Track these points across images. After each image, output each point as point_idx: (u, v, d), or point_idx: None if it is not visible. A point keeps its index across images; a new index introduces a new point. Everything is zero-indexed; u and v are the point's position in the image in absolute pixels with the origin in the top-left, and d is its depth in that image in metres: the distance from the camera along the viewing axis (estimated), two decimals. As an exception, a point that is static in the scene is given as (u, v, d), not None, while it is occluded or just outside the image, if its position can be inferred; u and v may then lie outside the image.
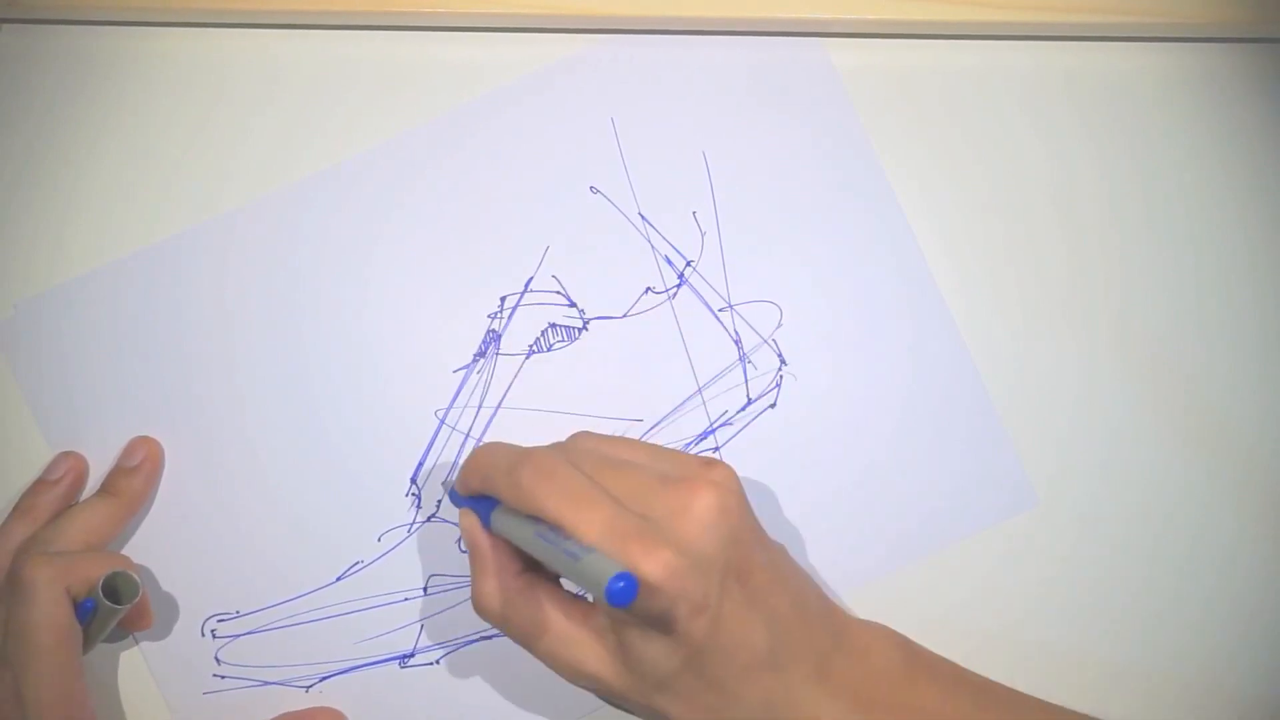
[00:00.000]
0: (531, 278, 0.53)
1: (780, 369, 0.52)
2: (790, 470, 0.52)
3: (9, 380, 0.53)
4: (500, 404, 0.53)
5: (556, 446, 0.47)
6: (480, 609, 0.46)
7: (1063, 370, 0.52)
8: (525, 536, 0.44)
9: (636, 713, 0.45)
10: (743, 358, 0.52)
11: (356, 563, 0.52)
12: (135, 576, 0.48)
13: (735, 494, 0.44)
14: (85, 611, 0.48)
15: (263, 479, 0.52)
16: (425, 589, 0.52)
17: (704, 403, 0.52)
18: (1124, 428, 0.52)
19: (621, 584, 0.39)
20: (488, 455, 0.46)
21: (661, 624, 0.42)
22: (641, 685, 0.43)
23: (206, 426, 0.53)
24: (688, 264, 0.53)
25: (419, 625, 0.52)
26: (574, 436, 0.47)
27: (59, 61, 0.54)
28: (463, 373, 0.53)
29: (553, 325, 0.53)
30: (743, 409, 0.52)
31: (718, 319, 0.53)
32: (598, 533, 0.42)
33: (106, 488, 0.52)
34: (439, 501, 0.52)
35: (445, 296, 0.53)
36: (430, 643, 0.52)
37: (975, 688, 0.46)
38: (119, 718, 0.52)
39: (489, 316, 0.53)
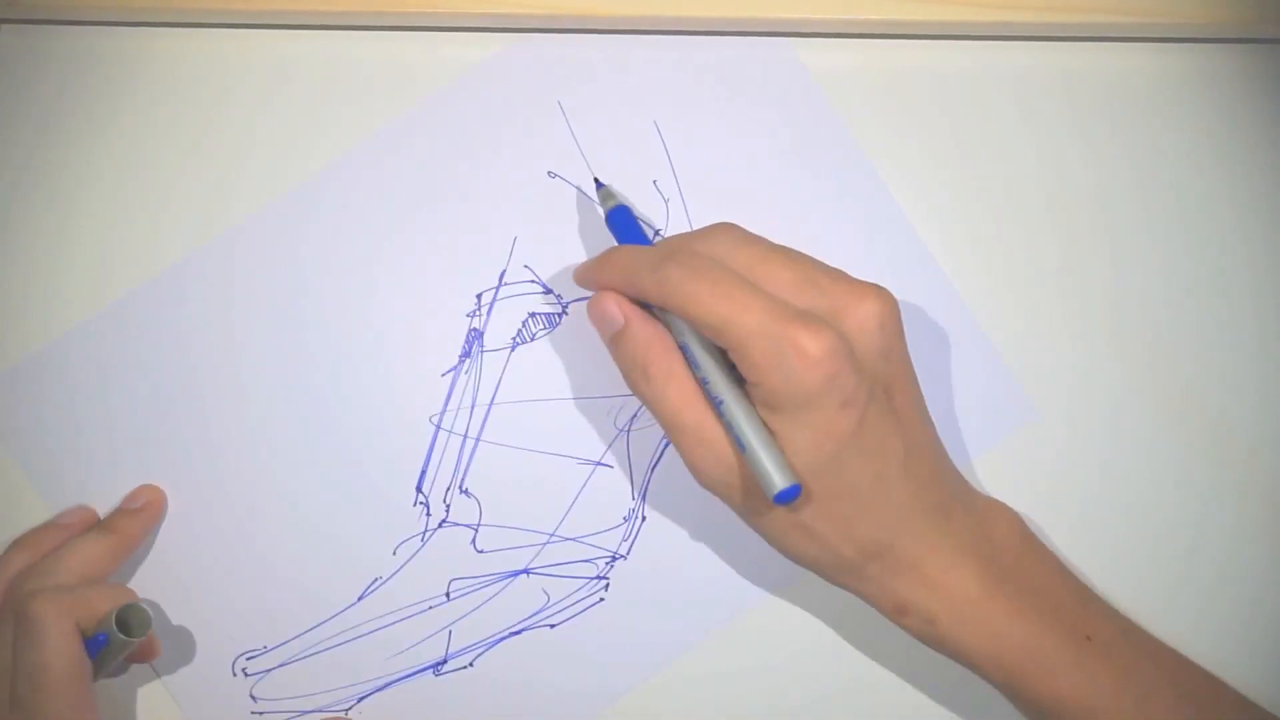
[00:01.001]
0: (504, 271, 0.53)
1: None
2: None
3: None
4: (493, 400, 0.53)
5: (700, 241, 0.46)
6: (648, 392, 0.46)
7: (1060, 372, 0.52)
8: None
9: (760, 523, 0.46)
10: (726, 317, 0.52)
11: (376, 579, 0.52)
12: (146, 609, 0.48)
13: (895, 312, 0.45)
14: (97, 645, 0.48)
15: (272, 511, 0.52)
16: (448, 594, 0.52)
17: (694, 368, 0.52)
18: (1122, 429, 0.52)
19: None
20: (626, 254, 0.46)
21: (810, 409, 0.43)
22: None
23: (211, 468, 0.52)
24: (656, 232, 0.53)
25: (447, 631, 0.52)
26: (715, 229, 0.46)
27: (59, 62, 0.54)
28: (451, 375, 0.53)
29: (533, 314, 0.53)
30: (733, 368, 0.52)
31: (695, 283, 0.53)
32: (755, 317, 0.42)
33: (106, 525, 0.51)
34: (448, 506, 0.52)
35: (422, 303, 0.53)
36: (461, 646, 0.52)
37: (1077, 585, 0.47)
38: (161, 769, 0.52)
39: (468, 316, 0.53)
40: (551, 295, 0.53)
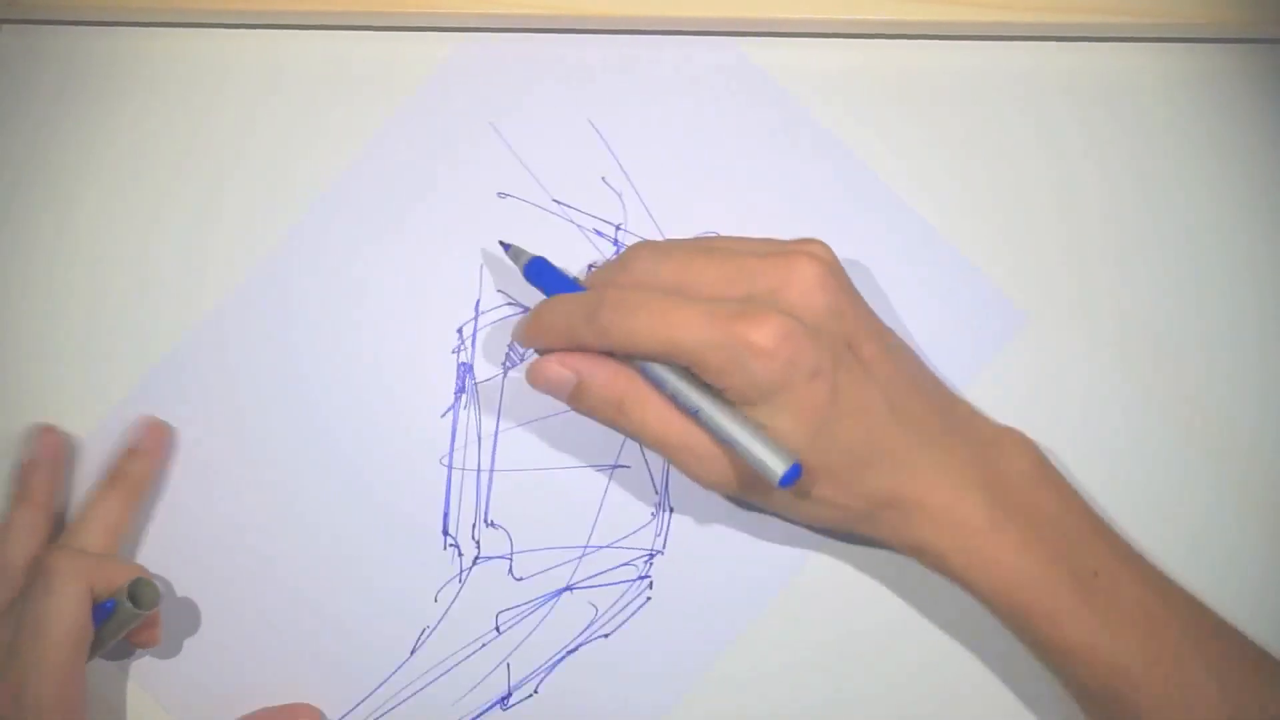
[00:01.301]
0: (478, 300, 0.53)
1: (743, 290, 0.52)
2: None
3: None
4: (497, 429, 0.53)
5: (621, 272, 0.46)
6: (633, 425, 0.46)
7: (1065, 372, 0.52)
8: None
9: (772, 505, 0.47)
10: (704, 293, 0.52)
11: (424, 629, 0.52)
12: (158, 585, 0.49)
13: (833, 265, 0.45)
14: (103, 612, 0.48)
15: (305, 588, 0.52)
16: (498, 628, 0.52)
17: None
18: (1127, 428, 0.51)
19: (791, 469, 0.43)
20: (558, 311, 0.46)
21: (782, 394, 0.43)
22: None
23: (234, 562, 0.52)
24: (617, 228, 0.53)
25: (505, 665, 0.52)
26: (630, 254, 0.46)
27: (59, 62, 0.55)
28: (451, 414, 0.53)
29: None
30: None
31: (667, 267, 0.53)
32: (699, 330, 0.42)
33: (115, 477, 0.51)
34: (477, 542, 0.52)
35: (406, 349, 0.53)
36: (522, 676, 0.52)
37: (1090, 516, 0.47)
38: None
39: (454, 352, 0.53)
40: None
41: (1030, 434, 0.48)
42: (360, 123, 0.54)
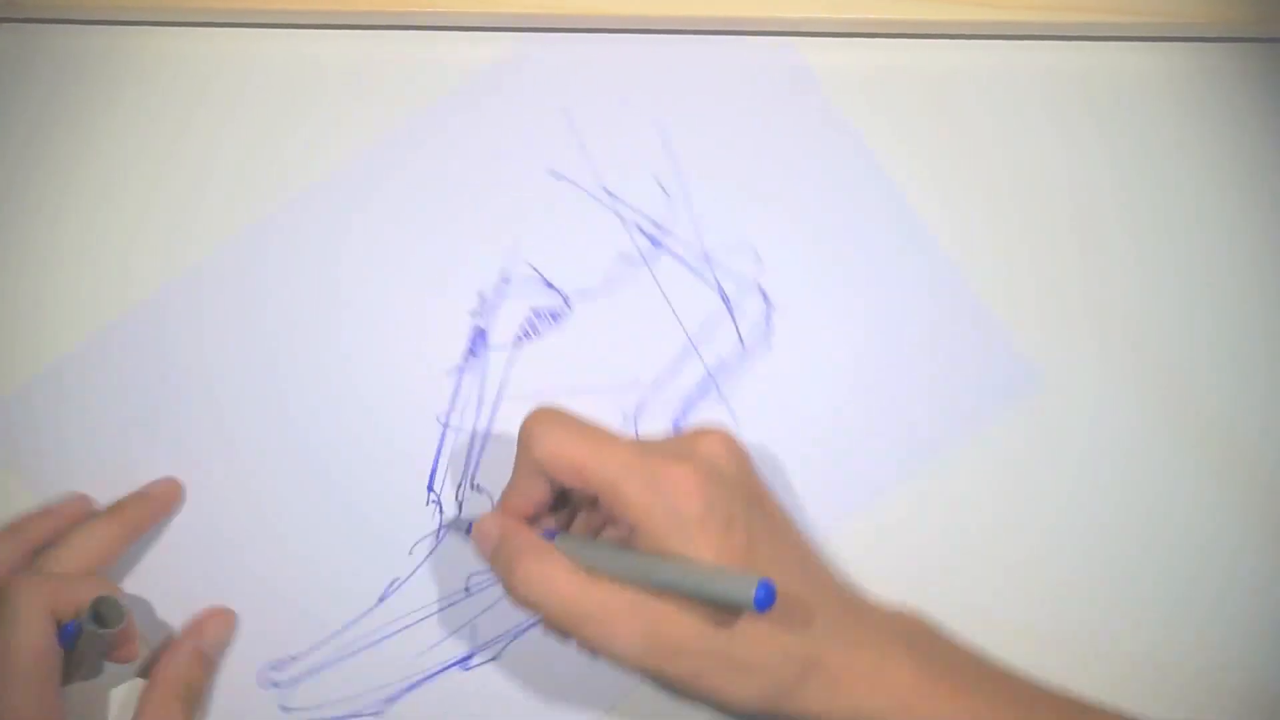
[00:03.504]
0: (507, 268, 0.54)
1: (768, 310, 0.54)
2: (793, 408, 0.53)
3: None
4: (499, 396, 0.53)
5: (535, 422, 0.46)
6: (537, 596, 0.44)
7: (1081, 370, 0.53)
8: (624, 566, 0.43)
9: (689, 679, 0.44)
10: (728, 304, 0.54)
11: (394, 580, 0.52)
12: (121, 602, 0.47)
13: (737, 440, 0.46)
14: (69, 635, 0.46)
15: (285, 520, 0.51)
16: (468, 589, 0.52)
17: (698, 353, 0.54)
18: (1138, 432, 0.52)
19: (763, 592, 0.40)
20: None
21: (699, 536, 0.42)
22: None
23: (221, 478, 0.52)
24: (658, 226, 0.54)
25: (471, 626, 0.52)
26: (539, 416, 0.46)
27: (59, 61, 0.54)
28: (456, 373, 0.53)
29: (536, 311, 0.54)
30: (738, 354, 0.54)
31: (696, 273, 0.54)
32: (623, 457, 0.43)
33: (114, 511, 0.50)
34: (460, 503, 0.52)
35: (425, 303, 0.53)
36: (487, 639, 0.52)
37: (997, 664, 0.47)
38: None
39: (471, 314, 0.53)
40: (554, 291, 0.54)
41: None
42: (394, 113, 0.55)
